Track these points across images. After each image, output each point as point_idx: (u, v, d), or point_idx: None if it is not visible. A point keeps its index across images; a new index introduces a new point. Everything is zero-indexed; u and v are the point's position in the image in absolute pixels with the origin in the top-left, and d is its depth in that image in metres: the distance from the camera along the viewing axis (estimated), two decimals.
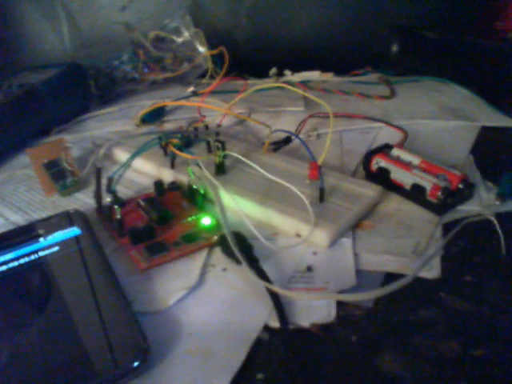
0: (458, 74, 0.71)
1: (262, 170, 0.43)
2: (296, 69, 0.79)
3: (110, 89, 0.75)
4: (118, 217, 0.40)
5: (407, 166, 0.44)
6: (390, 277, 0.36)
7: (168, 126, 0.60)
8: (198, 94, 0.69)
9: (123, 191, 0.48)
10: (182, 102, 0.64)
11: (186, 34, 0.79)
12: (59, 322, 0.32)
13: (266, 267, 0.36)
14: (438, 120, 0.59)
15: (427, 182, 0.42)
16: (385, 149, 0.48)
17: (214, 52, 0.75)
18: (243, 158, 0.44)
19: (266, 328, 0.32)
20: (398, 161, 0.45)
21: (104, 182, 0.43)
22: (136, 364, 0.29)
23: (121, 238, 0.40)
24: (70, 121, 0.68)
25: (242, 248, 0.37)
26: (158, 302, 0.35)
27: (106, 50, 0.80)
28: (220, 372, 0.30)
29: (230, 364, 0.30)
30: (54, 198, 0.49)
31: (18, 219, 0.46)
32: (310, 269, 0.37)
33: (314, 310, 0.34)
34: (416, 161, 0.45)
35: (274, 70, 0.79)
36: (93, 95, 0.73)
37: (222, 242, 0.38)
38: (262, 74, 0.80)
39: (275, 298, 0.34)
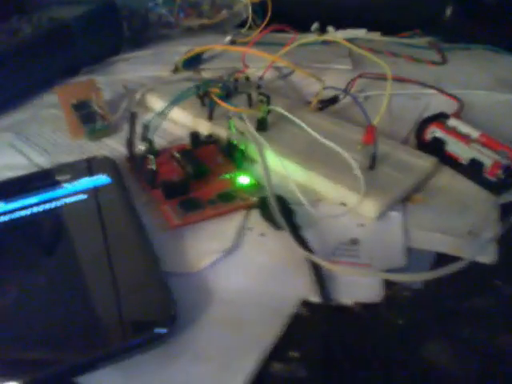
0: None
1: (309, 129, 0.39)
2: (339, 26, 0.74)
3: (144, 31, 0.72)
4: (153, 167, 0.37)
5: (465, 138, 0.41)
6: (441, 257, 0.33)
7: (205, 75, 0.56)
8: (236, 43, 0.65)
9: (156, 140, 0.44)
10: (229, 47, 0.59)
11: None
12: (82, 273, 0.30)
13: (308, 236, 0.34)
14: (494, 92, 0.54)
15: (487, 158, 0.38)
16: (441, 118, 0.44)
17: (256, 0, 0.70)
18: (289, 115, 0.41)
19: (305, 302, 0.30)
20: (455, 132, 0.42)
21: (138, 129, 0.40)
22: (162, 330, 0.27)
23: (153, 190, 0.38)
24: (101, 62, 0.64)
25: (283, 213, 0.34)
26: (189, 263, 0.32)
27: None
28: (251, 346, 0.27)
29: (263, 338, 0.27)
30: (82, 141, 0.46)
31: (43, 161, 0.44)
32: (355, 242, 0.34)
33: (358, 287, 0.31)
34: (475, 134, 0.41)
35: (316, 25, 0.75)
36: (125, 37, 0.69)
37: (262, 205, 0.36)
38: (303, 28, 0.75)
39: (316, 270, 0.31)
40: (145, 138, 0.38)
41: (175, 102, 0.40)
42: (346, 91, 0.45)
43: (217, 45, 0.59)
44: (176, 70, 0.56)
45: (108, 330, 0.27)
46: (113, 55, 0.66)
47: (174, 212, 0.35)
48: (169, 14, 0.73)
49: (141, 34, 0.71)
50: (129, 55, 0.67)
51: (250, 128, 0.39)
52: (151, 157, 0.37)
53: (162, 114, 0.39)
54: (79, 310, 0.28)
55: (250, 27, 0.72)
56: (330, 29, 0.74)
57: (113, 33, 0.66)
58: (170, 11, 0.73)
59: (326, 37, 0.66)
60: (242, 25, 0.73)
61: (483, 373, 0.26)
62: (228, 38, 0.69)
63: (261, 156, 0.37)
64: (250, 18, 0.71)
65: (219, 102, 0.42)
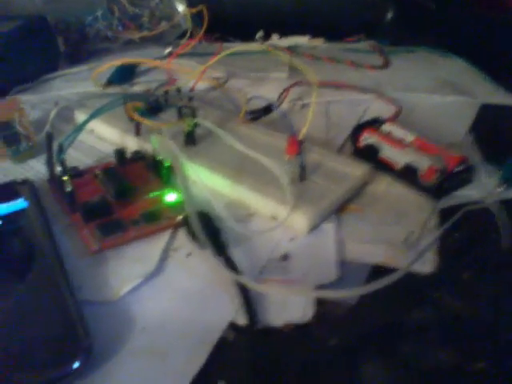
0: (457, 45, 0.66)
1: (235, 142, 0.37)
2: (285, 33, 0.73)
3: (81, 46, 0.69)
4: (69, 189, 0.35)
5: (399, 143, 0.40)
6: (377, 270, 0.32)
7: (137, 89, 0.54)
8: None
9: (82, 159, 0.43)
10: (149, 62, 0.57)
11: None
12: None
13: (236, 253, 0.32)
14: (434, 94, 0.54)
15: (421, 162, 0.37)
16: (375, 123, 0.43)
17: (194, 11, 0.68)
18: (215, 128, 0.39)
19: (232, 326, 0.28)
20: (389, 137, 0.41)
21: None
22: (76, 365, 0.25)
23: (73, 213, 0.35)
24: (36, 79, 0.61)
25: (209, 231, 0.32)
26: (109, 290, 0.30)
27: (79, 4, 0.73)
28: (174, 377, 0.25)
29: (187, 368, 0.26)
30: (6, 164, 0.44)
31: None
32: (285, 257, 0.32)
33: (288, 306, 0.29)
34: (410, 138, 0.40)
35: (260, 33, 0.73)
36: (61, 53, 0.67)
37: (187, 223, 0.34)
38: (248, 36, 0.74)
39: (244, 291, 0.29)
40: (58, 159, 0.35)
41: (94, 115, 0.38)
42: (272, 102, 0.44)
43: (141, 59, 0.57)
44: (106, 85, 0.54)
45: (18, 365, 0.25)
46: (49, 72, 0.63)
47: (93, 236, 0.33)
48: (107, 28, 0.70)
49: (78, 49, 0.69)
50: (65, 71, 0.64)
51: (170, 143, 0.37)
52: (65, 178, 0.34)
53: (79, 130, 0.37)
54: None
55: (190, 37, 0.70)
56: (274, 36, 0.73)
57: (47, 49, 0.63)
58: (109, 25, 0.71)
59: (251, 46, 0.65)
60: (183, 35, 0.71)
61: None
62: (168, 50, 0.67)
63: (179, 171, 0.35)
64: (189, 29, 0.69)
65: (137, 117, 0.40)
